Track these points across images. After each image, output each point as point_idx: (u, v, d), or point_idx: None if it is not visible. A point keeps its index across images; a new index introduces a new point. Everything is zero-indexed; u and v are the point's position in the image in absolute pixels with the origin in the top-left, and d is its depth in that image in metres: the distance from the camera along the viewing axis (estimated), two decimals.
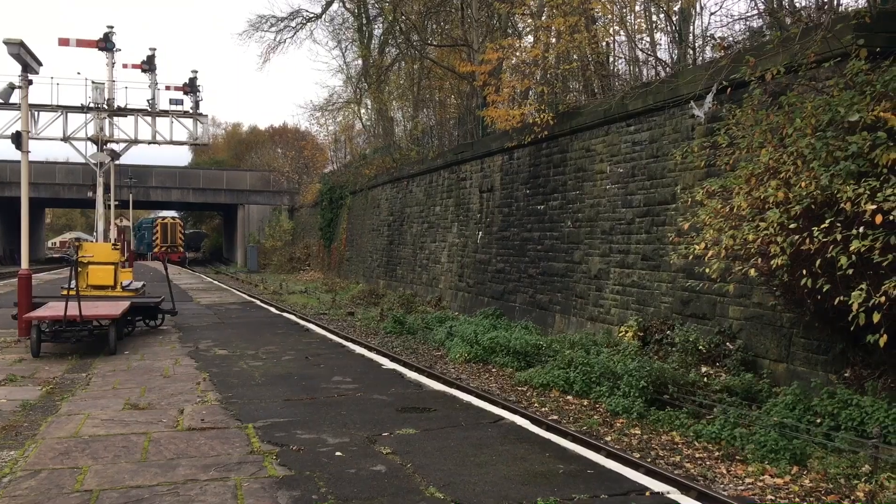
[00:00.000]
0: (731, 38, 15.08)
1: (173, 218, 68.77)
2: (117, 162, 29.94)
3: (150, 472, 6.63)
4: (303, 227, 56.35)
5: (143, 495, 6.04)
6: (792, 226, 9.18)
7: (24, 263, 15.95)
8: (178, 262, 63.66)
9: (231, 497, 6.00)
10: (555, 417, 11.93)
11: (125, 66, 28.04)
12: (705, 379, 11.82)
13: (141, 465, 6.83)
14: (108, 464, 6.88)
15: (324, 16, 43.48)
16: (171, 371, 11.77)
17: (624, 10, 19.14)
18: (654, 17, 18.77)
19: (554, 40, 20.42)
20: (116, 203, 35.67)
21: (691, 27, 17.22)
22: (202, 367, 12.12)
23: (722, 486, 8.78)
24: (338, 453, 7.23)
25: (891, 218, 7.98)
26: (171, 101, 28.37)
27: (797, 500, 8.22)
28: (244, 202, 65.02)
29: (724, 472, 9.22)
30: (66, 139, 27.31)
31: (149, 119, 28.07)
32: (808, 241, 8.87)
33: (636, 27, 19.22)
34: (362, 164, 41.39)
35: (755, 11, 14.89)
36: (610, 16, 19.90)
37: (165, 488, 6.22)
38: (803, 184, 9.12)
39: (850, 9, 11.69)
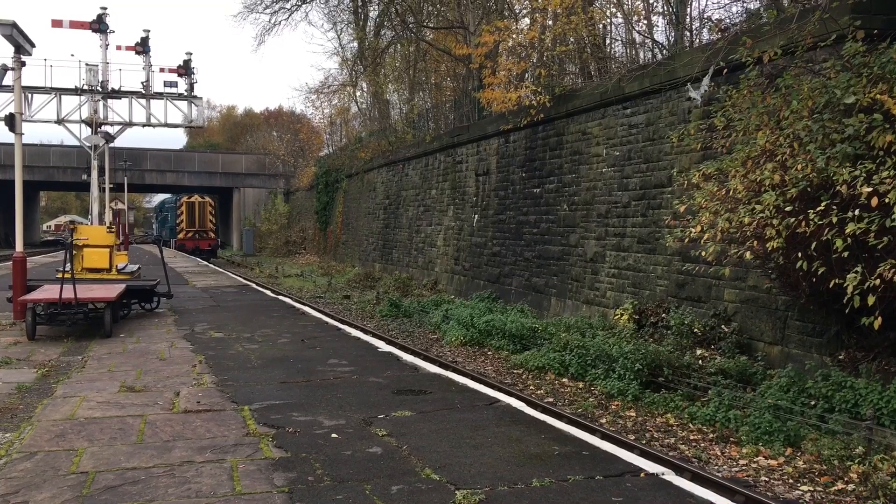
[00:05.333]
0: (728, 20, 15.04)
1: (202, 197, 55.17)
2: (112, 145, 29.76)
3: (146, 454, 6.63)
4: (298, 211, 56.25)
5: (140, 477, 6.05)
6: (788, 208, 9.18)
7: (19, 246, 15.90)
8: (209, 250, 52.25)
9: (227, 478, 6.02)
10: (550, 400, 11.97)
11: (119, 47, 27.75)
12: (700, 361, 11.87)
13: (137, 447, 6.84)
14: (104, 446, 6.88)
15: None
16: (167, 354, 11.77)
17: None
18: None
19: (550, 22, 20.33)
20: (111, 186, 35.49)
21: (688, 9, 17.16)
22: (198, 350, 12.11)
23: (716, 467, 8.84)
24: (334, 435, 7.24)
25: (886, 200, 7.98)
26: (166, 84, 28.17)
27: (791, 481, 8.27)
28: (240, 185, 64.82)
29: (719, 453, 9.27)
30: (60, 121, 27.12)
31: (143, 101, 27.88)
32: (803, 223, 8.88)
33: (633, 9, 19.13)
34: (358, 148, 41.25)
35: None
36: None
37: (161, 470, 6.22)
38: (799, 166, 9.11)
39: None
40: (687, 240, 11.71)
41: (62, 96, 27.00)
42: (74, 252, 16.78)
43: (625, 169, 16.08)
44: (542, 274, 19.45)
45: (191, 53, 28.40)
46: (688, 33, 16.91)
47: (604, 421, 10.79)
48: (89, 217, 28.98)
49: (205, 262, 42.00)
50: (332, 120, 52.03)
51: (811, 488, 8.02)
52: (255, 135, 74.59)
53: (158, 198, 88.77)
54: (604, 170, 16.91)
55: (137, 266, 22.85)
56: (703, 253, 11.14)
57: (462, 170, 25.53)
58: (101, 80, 26.76)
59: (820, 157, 8.85)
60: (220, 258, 51.57)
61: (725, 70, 12.53)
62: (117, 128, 28.31)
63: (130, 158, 54.77)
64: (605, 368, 12.51)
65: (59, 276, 13.82)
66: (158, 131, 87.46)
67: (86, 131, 27.16)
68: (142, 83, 27.69)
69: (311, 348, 12.42)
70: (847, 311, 8.63)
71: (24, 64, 16.09)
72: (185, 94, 28.28)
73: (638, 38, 19.07)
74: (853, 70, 9.40)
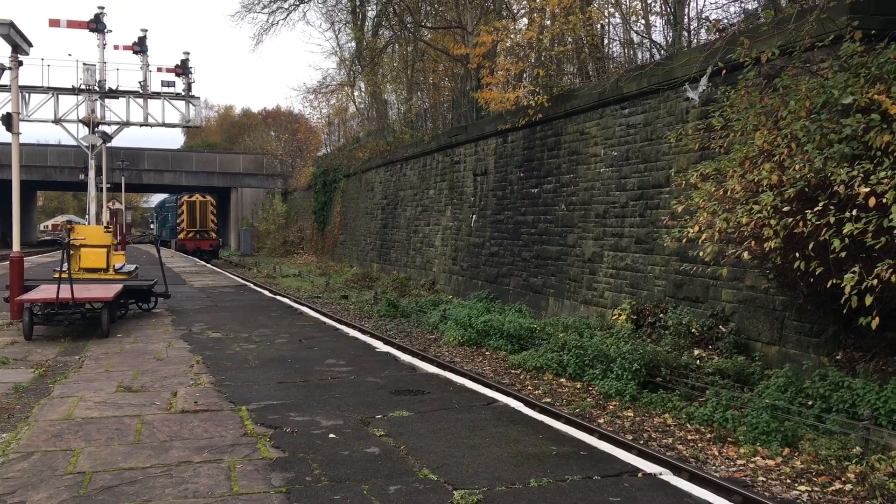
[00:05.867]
0: (726, 21, 15.05)
1: (203, 196, 52.47)
2: (109, 144, 29.75)
3: (144, 455, 6.62)
4: (296, 211, 56.21)
5: (137, 477, 6.04)
6: (785, 209, 9.19)
7: (16, 246, 15.87)
8: (210, 251, 50.00)
9: (224, 478, 6.01)
10: (548, 400, 11.97)
11: (116, 47, 27.75)
12: (698, 362, 11.87)
13: (134, 448, 6.83)
14: (101, 446, 6.87)
15: None
16: (165, 354, 11.75)
17: None
18: None
19: (549, 22, 20.31)
20: (108, 186, 35.43)
21: (686, 9, 17.16)
22: (195, 350, 12.09)
23: (714, 467, 8.84)
24: (331, 435, 7.23)
25: (884, 201, 7.98)
26: (163, 83, 28.17)
27: (788, 481, 8.27)
28: (237, 185, 64.75)
29: (716, 453, 9.28)
30: (57, 121, 27.11)
31: (140, 101, 27.88)
32: (801, 223, 8.88)
33: (631, 9, 19.13)
34: (356, 148, 41.23)
35: None
36: None
37: (159, 470, 6.21)
38: (797, 166, 9.12)
39: None
40: (685, 240, 11.72)
41: (59, 96, 26.99)
42: (72, 252, 16.78)
43: (623, 169, 16.08)
44: (539, 274, 19.45)
45: (188, 53, 28.40)
46: (686, 34, 16.91)
47: (602, 421, 10.79)
48: (86, 217, 28.94)
49: (202, 262, 41.77)
50: (330, 120, 52.01)
51: (809, 488, 8.02)
52: (253, 135, 74.53)
53: (156, 197, 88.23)
54: (602, 170, 16.91)
55: (135, 266, 22.82)
56: (701, 253, 11.14)
57: (460, 170, 25.52)
58: (98, 79, 26.76)
59: (818, 158, 8.85)
60: (220, 259, 50.78)
61: (723, 70, 12.53)
62: (114, 127, 28.30)
63: (128, 158, 54.72)
64: (603, 368, 12.51)
65: (57, 275, 13.80)
66: (156, 131, 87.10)
67: (83, 131, 27.15)
68: (139, 83, 27.68)
69: (308, 348, 12.41)
70: (845, 311, 8.62)
71: (21, 63, 16.06)
72: (183, 93, 28.27)
73: (636, 39, 19.08)
74: (851, 70, 9.41)
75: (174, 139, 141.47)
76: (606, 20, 20.33)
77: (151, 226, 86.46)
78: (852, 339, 10.20)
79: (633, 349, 12.08)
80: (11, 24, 14.39)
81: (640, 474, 6.25)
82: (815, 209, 8.73)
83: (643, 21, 18.84)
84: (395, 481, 5.95)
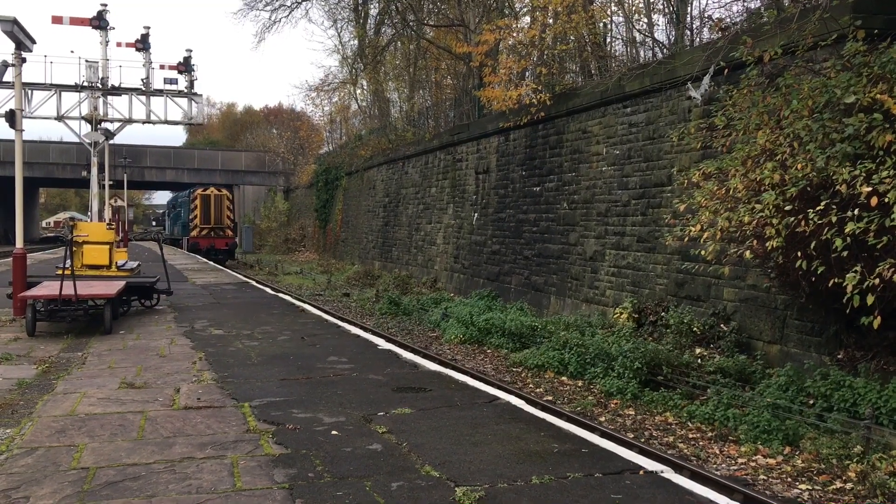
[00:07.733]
0: (728, 19, 15.04)
1: (218, 189, 47.31)
2: (112, 141, 29.74)
3: (147, 450, 6.64)
4: (298, 208, 56.26)
5: (140, 473, 6.06)
6: (787, 208, 9.20)
7: (19, 242, 15.90)
8: (226, 250, 44.83)
9: (227, 475, 6.03)
10: (549, 398, 11.99)
11: (119, 44, 27.72)
12: (699, 360, 11.89)
13: (137, 444, 6.85)
14: (105, 442, 6.89)
15: None
16: (167, 350, 11.77)
17: None
18: None
19: (551, 21, 20.31)
20: (111, 183, 35.44)
21: (689, 8, 17.16)
22: (198, 347, 12.11)
23: (715, 465, 8.86)
24: (334, 432, 7.25)
25: (886, 200, 7.99)
26: (166, 81, 28.16)
27: (789, 479, 8.29)
28: (239, 182, 64.81)
29: (717, 452, 9.30)
30: (60, 118, 27.11)
31: (143, 98, 27.86)
32: (803, 223, 8.89)
33: (634, 8, 19.13)
34: (358, 145, 41.26)
35: None
36: None
37: (162, 466, 6.24)
38: (799, 166, 9.13)
39: None
40: (686, 239, 11.73)
41: (62, 93, 26.99)
42: (74, 249, 16.79)
43: (625, 168, 16.09)
44: (541, 272, 19.47)
45: (191, 50, 28.41)
46: (688, 32, 16.92)
47: (603, 419, 10.81)
48: (89, 214, 28.95)
49: (204, 260, 40.92)
50: (332, 118, 52.08)
51: (810, 487, 8.04)
52: (255, 132, 74.60)
53: (159, 195, 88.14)
54: (604, 168, 16.92)
55: (137, 263, 22.85)
56: (703, 252, 11.16)
57: (462, 168, 25.53)
58: (101, 76, 26.73)
59: (820, 157, 8.86)
60: (235, 259, 46.86)
61: (726, 69, 12.53)
62: (117, 124, 28.29)
63: (130, 155, 54.74)
64: (605, 367, 12.53)
65: (59, 272, 13.82)
66: (158, 128, 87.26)
67: (85, 128, 27.14)
68: (142, 80, 27.68)
69: (310, 345, 12.43)
70: (846, 310, 8.64)
71: (24, 60, 16.08)
72: (185, 91, 28.27)
73: (638, 37, 19.08)
74: (853, 70, 9.42)
75: (176, 136, 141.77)
76: (609, 18, 20.35)
77: (154, 223, 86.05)
78: (854, 338, 10.22)
79: (634, 348, 12.10)
80: (14, 21, 14.41)
81: (641, 472, 6.26)
82: (818, 208, 8.74)
83: (646, 19, 18.85)
84: (397, 478, 5.97)
